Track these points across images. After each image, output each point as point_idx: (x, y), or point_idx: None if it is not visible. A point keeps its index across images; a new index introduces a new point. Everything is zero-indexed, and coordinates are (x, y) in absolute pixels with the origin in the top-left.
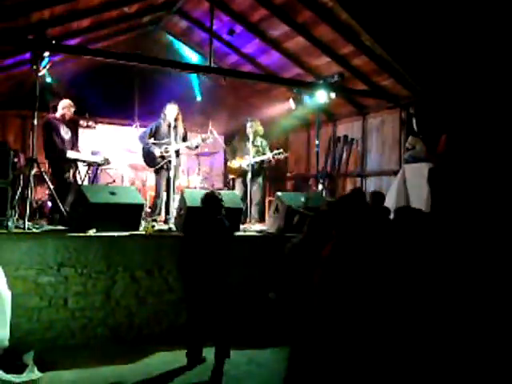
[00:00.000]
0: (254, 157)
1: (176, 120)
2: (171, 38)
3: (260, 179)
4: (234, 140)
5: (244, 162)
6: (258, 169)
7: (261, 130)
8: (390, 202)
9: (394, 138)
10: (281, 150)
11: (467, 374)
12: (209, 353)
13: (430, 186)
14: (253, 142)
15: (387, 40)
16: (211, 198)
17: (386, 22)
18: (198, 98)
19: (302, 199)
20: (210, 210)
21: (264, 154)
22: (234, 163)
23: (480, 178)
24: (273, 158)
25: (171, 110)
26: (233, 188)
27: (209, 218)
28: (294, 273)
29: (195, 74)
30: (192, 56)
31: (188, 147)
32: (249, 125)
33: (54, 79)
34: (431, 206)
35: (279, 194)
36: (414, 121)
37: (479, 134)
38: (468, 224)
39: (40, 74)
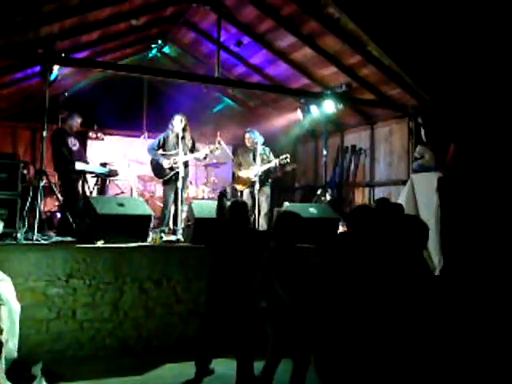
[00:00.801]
0: (260, 165)
1: (184, 131)
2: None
3: (268, 189)
4: (237, 153)
5: (251, 172)
6: (265, 178)
7: (260, 139)
8: None
9: (403, 148)
10: (287, 155)
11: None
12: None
13: (440, 195)
14: (255, 152)
15: (395, 50)
16: (240, 207)
17: (393, 31)
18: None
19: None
20: (239, 219)
21: (269, 161)
22: (241, 174)
23: (489, 186)
24: (279, 164)
25: (179, 121)
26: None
27: (238, 228)
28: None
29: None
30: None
31: (196, 158)
32: (247, 136)
33: (63, 92)
34: (441, 214)
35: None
36: (423, 130)
37: (488, 142)
38: (477, 233)
39: (49, 87)
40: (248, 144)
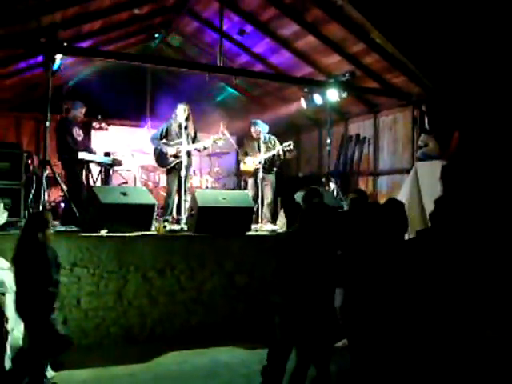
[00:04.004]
0: (264, 153)
1: (187, 120)
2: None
3: (272, 178)
4: (243, 142)
5: (256, 159)
6: (270, 166)
7: (265, 127)
8: (403, 200)
9: (406, 136)
10: (290, 142)
11: (468, 374)
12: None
13: (443, 184)
14: (259, 141)
15: (399, 37)
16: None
17: (397, 19)
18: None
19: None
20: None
21: (274, 148)
22: (247, 161)
23: (493, 174)
24: (283, 150)
25: (182, 111)
26: (245, 188)
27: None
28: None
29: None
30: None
31: (197, 149)
32: (252, 128)
33: (66, 82)
34: (444, 203)
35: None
36: (426, 118)
37: (492, 130)
38: (481, 221)
39: (52, 76)
40: (254, 135)
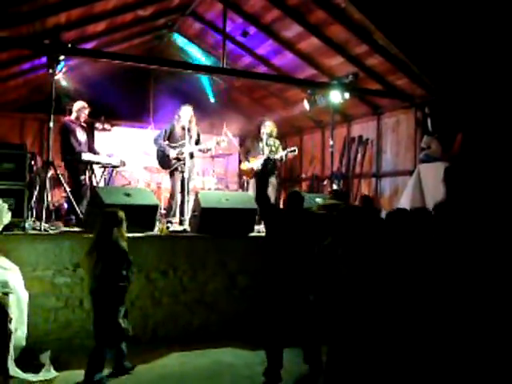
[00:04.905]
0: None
1: (190, 122)
2: (185, 40)
3: (274, 179)
4: (247, 141)
5: (257, 161)
6: (272, 169)
7: (275, 131)
8: (406, 201)
9: (409, 138)
10: (294, 148)
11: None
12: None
13: (446, 186)
14: (266, 143)
15: (401, 39)
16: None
17: (399, 20)
18: (212, 100)
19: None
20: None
21: (277, 153)
22: (247, 164)
23: (496, 176)
24: (286, 156)
25: (186, 112)
26: (247, 189)
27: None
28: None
29: (207, 77)
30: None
31: (200, 150)
32: (263, 125)
33: (70, 83)
34: (447, 205)
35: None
36: (429, 120)
37: (494, 132)
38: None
39: (56, 77)
40: (264, 133)
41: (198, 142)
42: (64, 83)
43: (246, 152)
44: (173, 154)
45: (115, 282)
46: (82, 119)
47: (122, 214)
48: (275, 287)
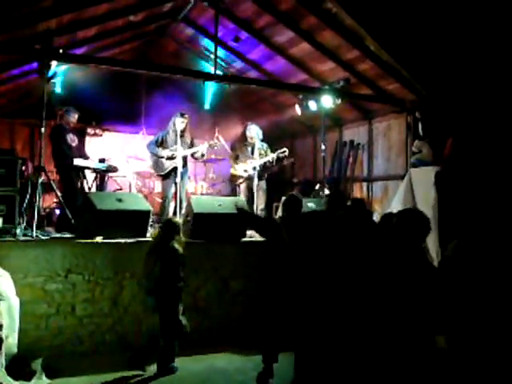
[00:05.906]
0: (258, 159)
1: (183, 131)
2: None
3: (264, 184)
4: (235, 146)
5: (248, 166)
6: (262, 172)
7: (260, 133)
8: (397, 206)
9: (400, 143)
10: (285, 149)
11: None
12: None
13: (437, 190)
14: (254, 146)
15: (393, 45)
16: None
17: (391, 26)
18: (207, 106)
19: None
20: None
21: (267, 156)
22: (237, 168)
23: (486, 180)
24: (277, 158)
25: (180, 122)
26: (239, 194)
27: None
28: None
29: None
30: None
31: (194, 156)
32: (248, 129)
33: (60, 88)
34: (438, 209)
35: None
36: (420, 125)
37: (485, 136)
38: (475, 227)
39: (47, 83)
40: (249, 140)
41: (191, 148)
42: (55, 88)
43: (235, 157)
44: (165, 153)
45: (174, 282)
46: (72, 124)
47: (180, 222)
48: (274, 291)
